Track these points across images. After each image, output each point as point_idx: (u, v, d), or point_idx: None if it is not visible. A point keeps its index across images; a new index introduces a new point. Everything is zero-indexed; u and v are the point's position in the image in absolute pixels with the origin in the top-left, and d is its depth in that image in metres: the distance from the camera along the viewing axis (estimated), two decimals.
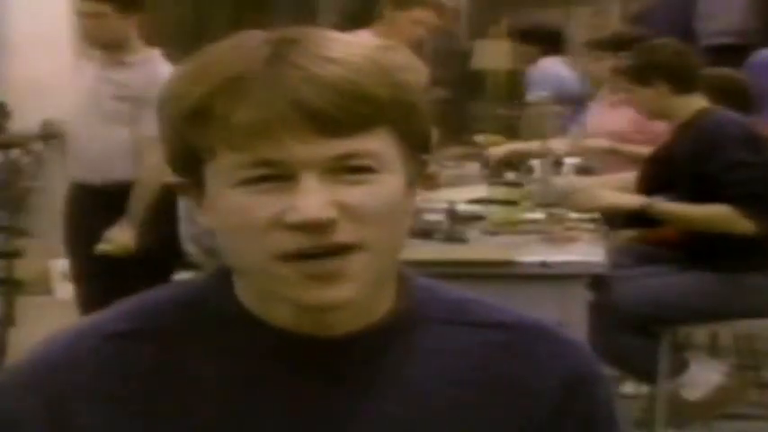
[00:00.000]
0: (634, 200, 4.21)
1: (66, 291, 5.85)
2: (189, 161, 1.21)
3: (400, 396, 1.24)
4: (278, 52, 1.17)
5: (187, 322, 1.26)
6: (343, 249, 1.16)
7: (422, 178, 1.27)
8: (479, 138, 6.31)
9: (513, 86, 9.04)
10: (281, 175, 1.15)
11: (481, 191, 4.63)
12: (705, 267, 4.14)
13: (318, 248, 1.15)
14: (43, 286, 6.74)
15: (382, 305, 1.26)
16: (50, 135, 6.12)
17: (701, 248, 4.15)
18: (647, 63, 4.30)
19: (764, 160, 4.08)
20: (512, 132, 6.57)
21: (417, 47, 5.51)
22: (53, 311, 5.61)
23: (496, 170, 5.19)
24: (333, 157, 1.15)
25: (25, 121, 6.35)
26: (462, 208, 4.18)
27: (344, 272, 1.16)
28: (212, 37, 1.24)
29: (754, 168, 4.03)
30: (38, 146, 6.49)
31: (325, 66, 1.15)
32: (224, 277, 1.27)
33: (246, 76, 1.16)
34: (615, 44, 5.53)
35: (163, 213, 4.40)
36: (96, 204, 4.68)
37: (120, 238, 4.56)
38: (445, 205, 4.08)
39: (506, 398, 1.27)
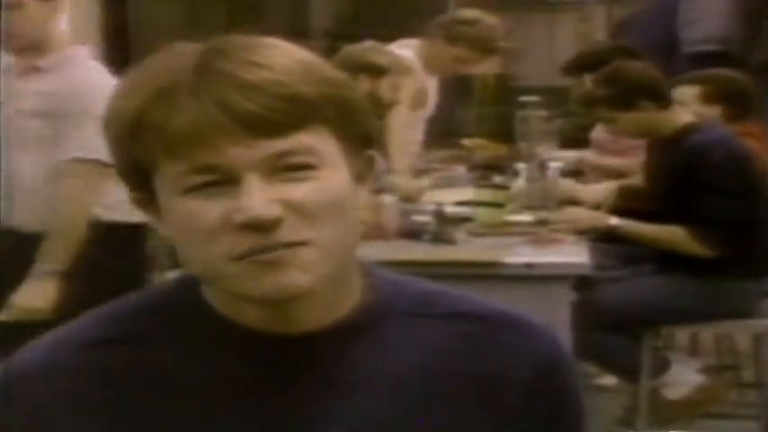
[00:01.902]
0: (603, 219, 4.31)
1: None
2: (138, 175, 1.22)
3: (371, 390, 1.25)
4: (205, 61, 1.18)
5: (159, 327, 1.27)
6: (292, 246, 1.17)
7: (369, 172, 1.27)
8: (466, 141, 6.36)
9: (501, 90, 9.08)
10: (224, 180, 1.16)
11: (468, 193, 4.67)
12: (687, 269, 4.18)
13: (267, 247, 1.16)
14: None
15: (347, 301, 1.27)
16: None
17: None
18: (628, 86, 4.25)
19: (743, 186, 4.12)
20: (499, 135, 6.60)
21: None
22: None
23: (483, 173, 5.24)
24: (270, 156, 1.16)
25: None
26: (450, 210, 4.21)
27: (294, 261, 1.17)
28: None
29: (724, 195, 4.08)
30: None
31: (252, 70, 1.17)
32: (192, 281, 1.28)
33: (175, 86, 1.17)
34: (586, 64, 5.48)
35: (104, 256, 3.51)
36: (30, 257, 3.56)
37: (24, 301, 3.49)
38: (433, 207, 4.13)
39: (477, 388, 1.27)
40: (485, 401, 1.28)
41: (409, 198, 4.57)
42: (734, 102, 4.71)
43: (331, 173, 1.19)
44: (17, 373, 1.27)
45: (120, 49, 4.43)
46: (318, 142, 1.19)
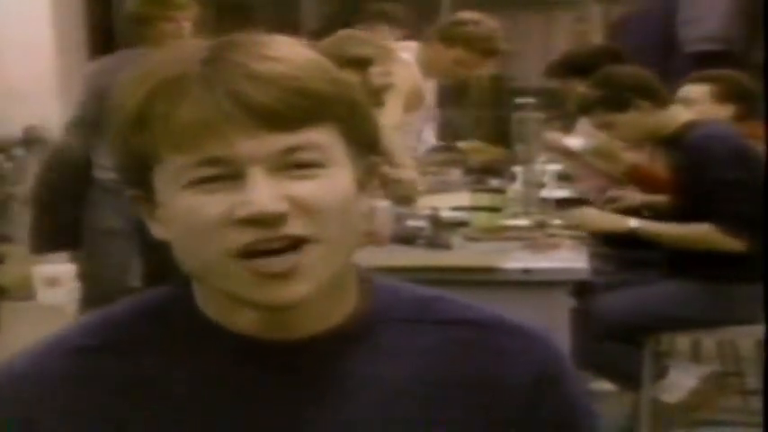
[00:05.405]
0: (622, 222, 4.24)
1: (48, 296, 5.83)
2: (137, 170, 1.21)
3: (366, 397, 1.24)
4: (216, 53, 1.18)
5: (151, 334, 1.27)
6: (295, 243, 1.16)
7: (371, 178, 1.27)
8: (462, 144, 6.31)
9: (496, 92, 9.05)
10: (228, 174, 1.16)
11: (464, 197, 4.61)
12: (688, 275, 4.14)
13: (270, 242, 1.15)
14: (26, 292, 6.71)
15: (342, 307, 1.27)
16: (33, 141, 6.10)
17: (685, 257, 4.16)
18: (622, 87, 4.22)
19: (751, 176, 4.08)
20: (495, 138, 6.56)
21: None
22: (36, 317, 5.60)
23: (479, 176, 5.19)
24: (278, 150, 1.16)
25: (7, 126, 6.33)
26: (445, 214, 4.17)
27: (298, 268, 1.17)
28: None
29: (738, 186, 4.03)
30: (20, 151, 6.48)
31: (265, 63, 1.17)
32: (185, 288, 1.28)
33: (185, 77, 1.17)
34: (574, 67, 5.39)
35: None
36: None
37: None
38: (428, 211, 4.08)
39: (475, 395, 1.26)
40: (482, 409, 1.27)
41: (408, 193, 4.48)
42: (744, 101, 4.69)
43: (337, 173, 1.20)
44: (7, 378, 1.27)
45: (105, 49, 4.44)
46: (327, 141, 1.19)
